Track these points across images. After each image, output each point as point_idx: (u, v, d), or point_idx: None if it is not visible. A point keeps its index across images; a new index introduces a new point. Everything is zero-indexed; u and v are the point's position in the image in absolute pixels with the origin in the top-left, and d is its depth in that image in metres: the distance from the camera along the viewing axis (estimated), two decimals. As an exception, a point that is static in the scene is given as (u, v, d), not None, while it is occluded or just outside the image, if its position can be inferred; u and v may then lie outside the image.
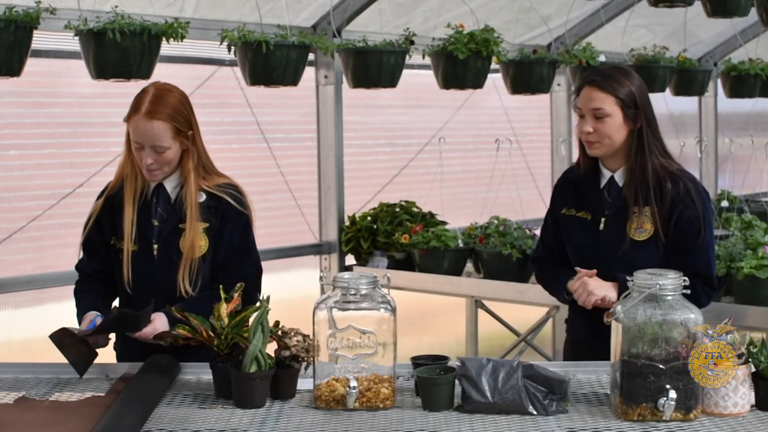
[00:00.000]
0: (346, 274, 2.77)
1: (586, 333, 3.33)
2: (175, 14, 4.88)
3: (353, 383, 2.64)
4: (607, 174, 3.31)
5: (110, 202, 3.29)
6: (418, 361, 2.83)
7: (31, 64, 4.21)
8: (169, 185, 3.26)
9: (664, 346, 2.54)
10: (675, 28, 7.31)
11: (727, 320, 2.59)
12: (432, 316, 7.24)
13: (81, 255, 3.37)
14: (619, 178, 3.28)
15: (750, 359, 2.62)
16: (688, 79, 7.54)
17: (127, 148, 3.24)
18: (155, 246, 3.23)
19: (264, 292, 3.03)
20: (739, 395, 2.57)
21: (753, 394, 2.62)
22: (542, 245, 3.51)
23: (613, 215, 3.26)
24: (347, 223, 6.02)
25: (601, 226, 3.27)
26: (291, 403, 2.74)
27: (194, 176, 3.22)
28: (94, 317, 3.11)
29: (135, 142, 3.17)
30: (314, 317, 2.72)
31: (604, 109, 3.19)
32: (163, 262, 3.22)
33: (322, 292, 2.77)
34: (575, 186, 3.39)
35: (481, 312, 5.95)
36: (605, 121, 3.20)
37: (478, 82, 5.73)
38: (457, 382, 2.68)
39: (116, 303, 3.33)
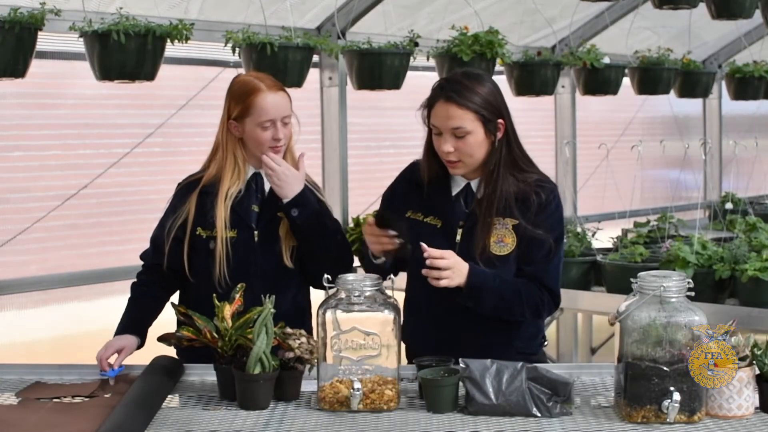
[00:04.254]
0: (350, 276, 2.76)
1: (430, 345, 3.03)
2: (179, 16, 4.88)
3: (357, 385, 2.64)
4: (461, 182, 3.09)
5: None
6: (422, 363, 2.83)
7: (35, 66, 4.21)
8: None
9: (668, 348, 2.54)
10: (679, 30, 7.31)
11: (731, 322, 2.59)
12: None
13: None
14: (475, 186, 3.07)
15: (754, 361, 2.62)
16: (692, 81, 7.54)
17: (223, 138, 3.26)
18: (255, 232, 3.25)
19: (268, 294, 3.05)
20: (744, 398, 2.57)
21: (757, 396, 2.62)
22: None
23: (471, 227, 3.02)
24: (351, 224, 6.02)
25: (458, 237, 3.04)
26: (295, 405, 2.74)
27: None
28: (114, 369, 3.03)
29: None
30: (318, 319, 2.72)
31: (464, 128, 2.94)
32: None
33: (326, 293, 2.77)
34: (418, 187, 3.12)
35: (485, 314, 5.93)
36: (466, 139, 2.95)
37: (482, 84, 5.72)
38: (461, 384, 2.68)
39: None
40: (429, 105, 3.01)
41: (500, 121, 3.02)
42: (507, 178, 3.00)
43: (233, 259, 3.20)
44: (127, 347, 3.11)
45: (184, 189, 3.29)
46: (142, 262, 3.37)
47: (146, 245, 3.36)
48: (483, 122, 2.96)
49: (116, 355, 3.09)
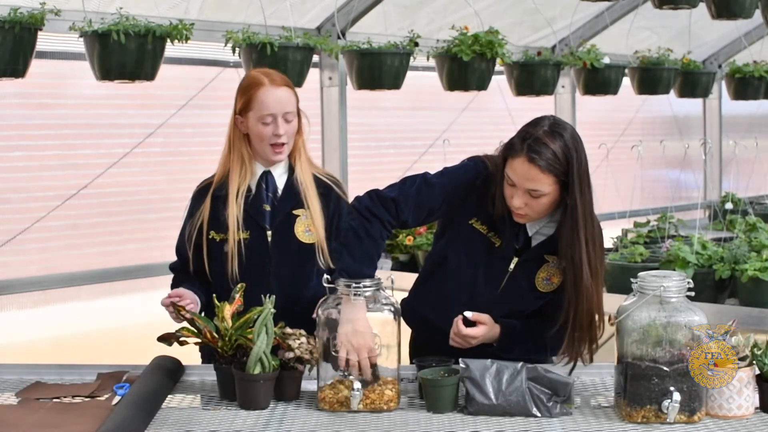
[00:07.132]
0: (350, 276, 2.77)
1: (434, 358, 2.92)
2: (179, 16, 4.88)
3: (357, 385, 2.64)
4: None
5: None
6: (422, 363, 2.83)
7: (35, 66, 4.21)
8: (276, 172, 3.27)
9: (668, 348, 2.54)
10: (679, 30, 7.31)
11: (731, 322, 2.59)
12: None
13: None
14: (540, 224, 3.01)
15: (754, 361, 2.62)
16: (692, 81, 7.54)
17: (231, 135, 3.24)
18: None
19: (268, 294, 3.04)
20: (744, 398, 2.57)
21: (757, 396, 2.62)
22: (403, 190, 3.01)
23: (527, 261, 3.01)
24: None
25: (512, 265, 3.00)
26: (295, 405, 2.74)
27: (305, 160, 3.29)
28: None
29: None
30: (318, 319, 2.72)
31: (541, 191, 2.84)
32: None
33: (326, 293, 2.77)
34: (481, 196, 3.00)
35: (485, 314, 5.93)
36: (540, 199, 2.87)
37: (482, 84, 5.73)
38: (461, 384, 2.68)
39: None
40: (510, 155, 2.88)
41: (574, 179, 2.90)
42: (573, 231, 2.89)
43: (247, 261, 3.17)
44: (195, 300, 3.11)
45: (198, 194, 3.28)
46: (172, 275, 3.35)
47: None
48: (560, 186, 2.86)
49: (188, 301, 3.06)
